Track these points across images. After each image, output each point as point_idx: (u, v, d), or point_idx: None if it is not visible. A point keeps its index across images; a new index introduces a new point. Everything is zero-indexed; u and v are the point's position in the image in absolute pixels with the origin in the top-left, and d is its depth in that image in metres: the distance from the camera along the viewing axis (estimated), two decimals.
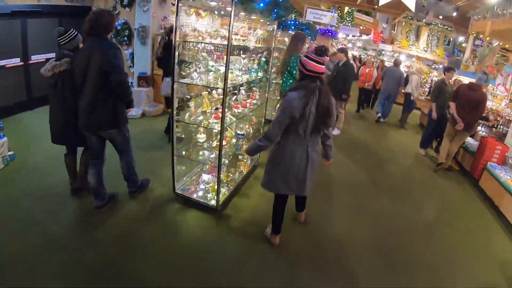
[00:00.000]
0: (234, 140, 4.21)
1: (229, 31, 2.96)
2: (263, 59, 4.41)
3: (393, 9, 14.69)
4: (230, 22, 2.89)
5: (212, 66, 3.51)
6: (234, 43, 3.63)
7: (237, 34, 3.66)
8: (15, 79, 6.98)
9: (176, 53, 3.34)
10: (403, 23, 19.84)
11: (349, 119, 9.35)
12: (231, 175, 4.25)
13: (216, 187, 3.67)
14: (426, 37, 19.48)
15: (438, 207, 5.09)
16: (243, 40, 3.81)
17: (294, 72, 4.56)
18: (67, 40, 3.34)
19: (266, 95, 4.74)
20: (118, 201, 3.91)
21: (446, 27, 18.23)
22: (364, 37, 19.50)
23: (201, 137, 3.74)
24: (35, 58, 7.21)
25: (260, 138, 2.80)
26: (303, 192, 3.01)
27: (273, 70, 5.64)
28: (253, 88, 4.44)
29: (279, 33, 7.02)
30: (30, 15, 6.78)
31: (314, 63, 2.63)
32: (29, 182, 4.13)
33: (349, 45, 20.28)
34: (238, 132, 4.14)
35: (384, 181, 5.59)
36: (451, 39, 19.99)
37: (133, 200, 3.99)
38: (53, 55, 7.53)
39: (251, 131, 4.54)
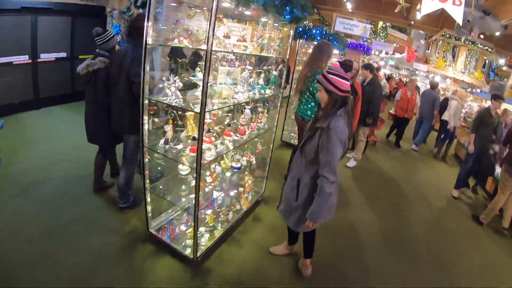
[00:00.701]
0: (228, 174, 3.22)
1: (207, 31, 2.02)
2: (275, 72, 3.42)
3: (430, 25, 13.22)
4: (210, 19, 1.94)
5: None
6: (223, 49, 2.67)
7: (228, 37, 2.67)
8: (22, 76, 6.45)
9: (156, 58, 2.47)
10: (440, 42, 18.14)
11: (376, 145, 7.95)
12: (222, 216, 3.26)
13: (198, 231, 2.71)
14: (464, 58, 17.68)
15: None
16: (245, 47, 2.82)
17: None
18: (104, 41, 3.35)
19: (277, 117, 3.71)
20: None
21: (486, 47, 16.37)
22: (397, 55, 18.03)
23: (184, 168, 2.78)
24: (44, 57, 6.65)
25: (322, 186, 2.11)
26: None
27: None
28: (259, 109, 3.44)
29: (303, 43, 6.06)
30: (40, 12, 6.23)
31: (346, 82, 2.17)
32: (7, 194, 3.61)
33: (382, 62, 18.85)
34: (234, 164, 3.16)
35: (406, 237, 4.07)
36: (487, 61, 17.99)
37: (104, 231, 3.20)
38: (63, 54, 6.99)
39: (254, 161, 3.54)
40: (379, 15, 12.96)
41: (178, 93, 2.50)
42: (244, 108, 3.12)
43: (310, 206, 2.20)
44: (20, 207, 3.39)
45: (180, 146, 2.73)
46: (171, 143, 2.81)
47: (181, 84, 2.53)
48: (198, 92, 2.68)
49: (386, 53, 17.10)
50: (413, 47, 19.23)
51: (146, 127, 2.73)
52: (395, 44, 16.68)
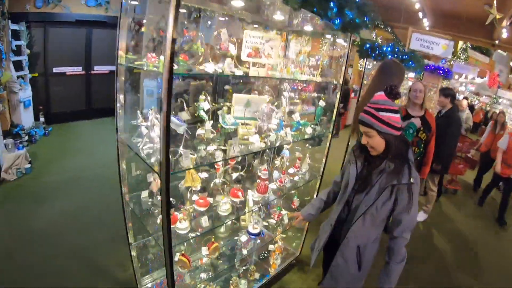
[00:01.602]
0: (244, 238, 2.14)
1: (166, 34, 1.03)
2: (321, 104, 2.26)
3: None
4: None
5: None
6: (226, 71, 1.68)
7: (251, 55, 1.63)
8: (75, 87, 6.28)
9: None
10: None
11: (457, 198, 5.50)
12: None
13: None
14: None
15: None
16: (262, 66, 1.75)
17: None
18: None
19: (324, 161, 2.51)
20: None
21: None
22: (478, 79, 15.18)
23: (182, 226, 1.77)
24: (97, 69, 6.40)
25: (401, 250, 1.63)
26: None
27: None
28: (296, 153, 2.32)
29: (370, 65, 4.72)
30: (95, 25, 5.97)
31: (399, 116, 1.52)
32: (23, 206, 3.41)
33: (461, 88, 16.03)
34: (250, 230, 2.06)
35: None
36: None
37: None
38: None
39: (286, 220, 2.41)
40: (459, 33, 10.79)
41: (154, 135, 1.52)
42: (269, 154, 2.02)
43: (385, 276, 1.66)
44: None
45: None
46: (158, 196, 1.86)
47: (156, 122, 1.54)
48: (204, 130, 1.71)
49: (465, 77, 14.51)
50: (495, 71, 16.11)
51: (122, 173, 1.79)
52: (478, 68, 14.01)
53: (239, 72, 1.64)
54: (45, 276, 2.44)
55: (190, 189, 1.95)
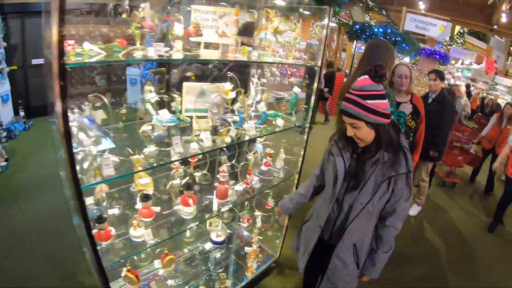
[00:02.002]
0: (208, 246, 1.84)
1: None
2: (295, 90, 1.91)
3: None
4: None
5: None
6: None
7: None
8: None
9: None
10: None
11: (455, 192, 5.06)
12: None
13: None
14: None
15: None
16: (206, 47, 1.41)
17: None
18: None
19: (301, 158, 2.17)
20: None
21: None
22: (475, 66, 14.66)
23: (137, 234, 1.46)
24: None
25: (391, 240, 1.52)
26: None
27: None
28: (266, 150, 1.99)
29: (362, 47, 4.29)
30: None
31: (386, 101, 1.29)
32: None
33: (458, 74, 15.48)
34: (213, 238, 1.76)
35: None
36: None
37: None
38: None
39: (260, 222, 2.11)
40: (456, 17, 10.25)
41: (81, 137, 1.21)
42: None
43: (371, 264, 1.56)
44: None
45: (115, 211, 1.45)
46: (103, 203, 1.56)
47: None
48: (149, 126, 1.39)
49: (462, 63, 14.02)
50: (492, 57, 15.59)
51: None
52: (476, 53, 13.48)
53: (177, 55, 1.29)
54: (15, 280, 2.25)
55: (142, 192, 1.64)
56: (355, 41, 3.46)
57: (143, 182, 1.58)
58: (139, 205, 1.53)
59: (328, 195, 1.48)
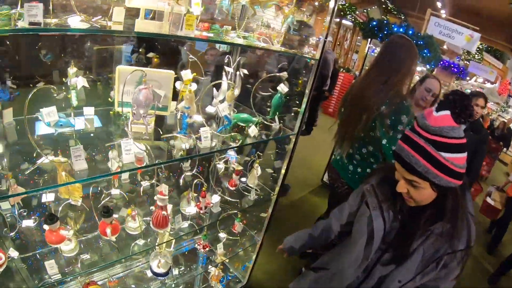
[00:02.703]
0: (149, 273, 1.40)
1: None
2: (281, 89, 1.42)
3: None
4: None
5: None
6: None
7: None
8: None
9: None
10: None
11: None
12: None
13: None
14: None
15: None
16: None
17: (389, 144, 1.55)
18: None
19: (283, 171, 1.69)
20: None
21: None
22: (488, 85, 13.93)
23: (67, 248, 1.08)
24: None
25: None
26: None
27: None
28: (232, 166, 1.53)
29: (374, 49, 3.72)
30: None
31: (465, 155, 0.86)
32: None
33: (468, 90, 14.77)
34: (154, 268, 1.32)
35: None
36: None
37: None
38: None
39: (221, 248, 1.67)
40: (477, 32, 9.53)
41: None
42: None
43: None
44: None
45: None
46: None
47: None
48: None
49: (475, 80, 13.32)
50: (507, 78, 14.87)
51: None
52: (496, 72, 12.74)
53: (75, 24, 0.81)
54: None
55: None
56: (369, 40, 2.96)
57: (50, 199, 1.13)
58: (45, 226, 1.08)
59: (355, 256, 1.06)
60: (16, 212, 1.15)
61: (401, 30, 2.87)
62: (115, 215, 1.27)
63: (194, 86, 1.21)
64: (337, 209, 1.25)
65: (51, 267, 1.05)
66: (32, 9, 0.72)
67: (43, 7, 0.76)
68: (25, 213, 1.17)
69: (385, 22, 2.84)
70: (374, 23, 2.79)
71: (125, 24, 0.94)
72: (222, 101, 1.24)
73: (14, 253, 1.04)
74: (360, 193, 1.12)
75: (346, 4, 7.07)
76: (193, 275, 1.86)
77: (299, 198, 3.44)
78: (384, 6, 6.47)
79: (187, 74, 1.17)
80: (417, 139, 0.82)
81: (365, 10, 6.85)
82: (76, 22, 0.90)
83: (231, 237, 1.80)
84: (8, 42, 1.40)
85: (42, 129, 1.09)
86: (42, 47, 1.36)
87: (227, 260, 2.07)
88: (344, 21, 9.40)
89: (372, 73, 1.62)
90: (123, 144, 0.93)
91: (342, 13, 7.43)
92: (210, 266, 1.91)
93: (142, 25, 0.95)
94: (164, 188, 1.10)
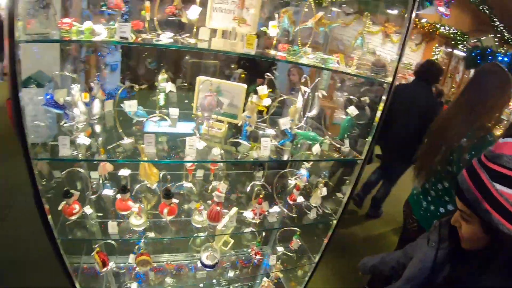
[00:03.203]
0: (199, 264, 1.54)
1: None
2: (350, 111, 1.39)
3: None
4: None
5: None
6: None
7: None
8: None
9: None
10: None
11: None
12: None
13: None
14: None
15: None
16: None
17: None
18: None
19: (347, 199, 1.61)
20: None
21: None
22: None
23: (137, 222, 1.31)
24: None
25: None
26: None
27: None
28: (306, 176, 1.57)
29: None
30: None
31: None
32: None
33: None
34: (203, 259, 1.44)
35: None
36: None
37: None
38: None
39: (271, 262, 1.69)
40: None
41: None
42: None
43: None
44: None
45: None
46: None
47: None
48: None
49: None
50: None
51: None
52: None
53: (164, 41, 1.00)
54: None
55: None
56: (471, 69, 2.56)
57: (124, 174, 1.36)
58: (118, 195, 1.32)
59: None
60: (101, 181, 1.42)
61: (506, 59, 2.43)
62: (184, 206, 1.45)
63: (267, 101, 1.31)
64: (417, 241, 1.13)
65: (113, 228, 1.26)
66: (122, 27, 0.93)
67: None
68: (108, 184, 1.44)
69: (488, 51, 2.46)
70: (478, 51, 2.44)
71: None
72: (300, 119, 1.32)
73: (88, 210, 1.31)
74: (431, 230, 0.99)
75: (458, 33, 6.29)
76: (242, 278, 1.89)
77: (378, 233, 3.19)
78: (499, 35, 5.51)
79: (263, 89, 1.28)
80: (475, 164, 0.72)
81: (476, 40, 5.98)
82: (165, 38, 1.10)
83: (287, 253, 1.79)
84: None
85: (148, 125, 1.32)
86: (148, 56, 1.67)
87: (282, 276, 2.05)
88: (456, 51, 8.38)
89: (458, 103, 1.46)
90: (188, 140, 1.08)
91: (453, 42, 6.63)
92: (264, 278, 1.92)
93: (218, 44, 1.10)
94: (222, 186, 1.21)
